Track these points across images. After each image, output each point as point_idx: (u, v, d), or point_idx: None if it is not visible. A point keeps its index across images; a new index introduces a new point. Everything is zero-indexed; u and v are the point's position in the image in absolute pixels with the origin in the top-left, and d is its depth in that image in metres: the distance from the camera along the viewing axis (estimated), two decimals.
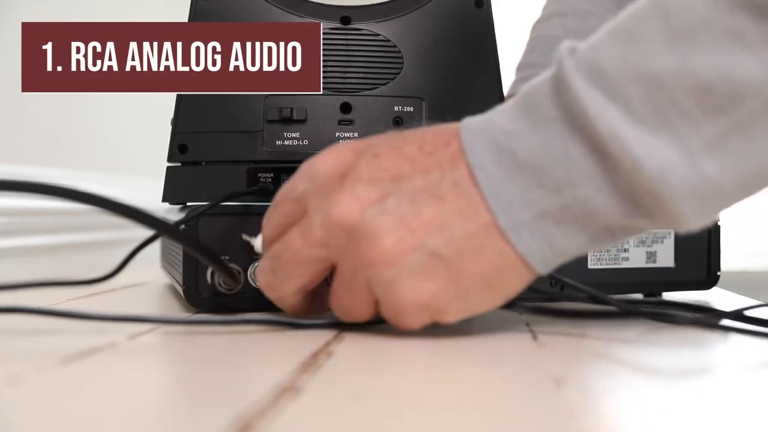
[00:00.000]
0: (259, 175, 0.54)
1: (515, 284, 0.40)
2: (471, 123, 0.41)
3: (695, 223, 0.38)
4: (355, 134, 0.54)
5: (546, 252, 0.39)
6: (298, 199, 0.42)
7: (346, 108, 0.55)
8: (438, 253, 0.39)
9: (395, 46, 0.55)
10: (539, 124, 0.38)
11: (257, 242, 0.47)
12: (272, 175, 0.54)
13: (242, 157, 0.54)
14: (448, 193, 0.39)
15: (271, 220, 0.44)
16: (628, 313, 0.45)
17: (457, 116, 0.56)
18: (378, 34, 0.55)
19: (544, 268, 0.40)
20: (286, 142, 0.54)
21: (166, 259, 0.67)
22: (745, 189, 0.38)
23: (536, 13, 0.80)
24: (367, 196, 0.40)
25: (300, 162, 0.54)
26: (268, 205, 0.50)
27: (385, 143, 0.42)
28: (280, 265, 0.42)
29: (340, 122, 0.54)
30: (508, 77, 0.59)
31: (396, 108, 0.55)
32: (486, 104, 0.56)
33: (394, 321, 0.41)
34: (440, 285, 0.39)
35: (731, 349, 0.43)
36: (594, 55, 0.38)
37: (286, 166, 0.54)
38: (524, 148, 0.38)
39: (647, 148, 0.36)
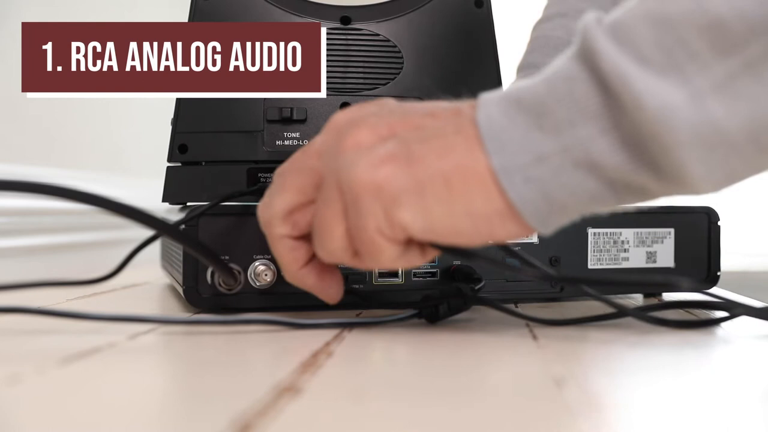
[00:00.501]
0: (259, 175, 0.54)
1: (499, 231, 0.39)
2: (490, 93, 0.41)
3: (705, 181, 0.37)
4: None
5: (540, 204, 0.38)
6: (312, 168, 0.42)
7: (345, 107, 0.54)
8: (406, 141, 0.39)
9: (395, 46, 0.55)
10: (552, 75, 0.38)
11: None
12: (272, 175, 0.54)
13: (242, 157, 0.54)
14: (446, 118, 0.40)
15: (279, 192, 0.44)
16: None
17: None
18: (378, 34, 0.55)
19: (538, 223, 0.39)
20: (286, 142, 0.54)
21: (166, 259, 0.67)
22: (757, 142, 0.36)
23: (536, 13, 0.80)
24: (367, 109, 0.42)
25: None
26: None
27: (395, 109, 0.42)
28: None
29: None
30: (508, 77, 0.59)
31: None
32: None
33: (355, 227, 0.40)
34: (396, 169, 0.38)
35: (731, 349, 0.43)
36: (616, 15, 0.38)
37: None
38: (529, 93, 0.38)
39: (651, 87, 0.35)
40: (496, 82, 0.57)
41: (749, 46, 0.35)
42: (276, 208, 0.43)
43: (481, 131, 0.38)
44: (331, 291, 0.45)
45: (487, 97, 0.40)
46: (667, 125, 0.35)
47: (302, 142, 0.54)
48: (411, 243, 0.40)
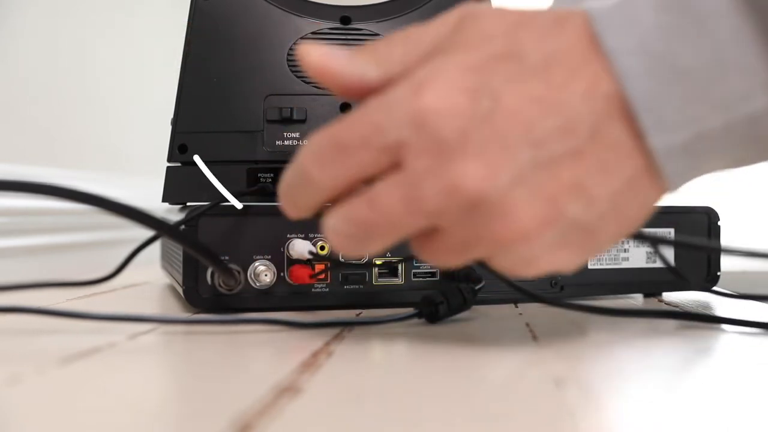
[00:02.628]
0: (259, 175, 0.54)
1: (644, 208, 0.35)
2: (606, 20, 0.33)
3: None
4: None
5: (687, 180, 0.34)
6: (388, 149, 0.33)
7: (345, 108, 0.55)
8: (577, 221, 0.34)
9: None
10: (703, 18, 0.32)
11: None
12: (272, 175, 0.54)
13: (242, 157, 0.54)
14: (587, 145, 0.33)
15: (331, 167, 0.34)
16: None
17: None
18: (378, 34, 0.55)
19: (674, 188, 0.35)
20: (286, 142, 0.54)
21: (166, 259, 0.67)
22: None
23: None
24: (499, 162, 0.32)
25: None
26: (268, 206, 0.51)
27: (502, 71, 0.33)
28: (365, 231, 0.34)
29: None
30: None
31: None
32: None
33: (508, 273, 0.36)
34: (576, 251, 0.35)
35: (731, 349, 0.43)
36: None
37: (286, 166, 0.54)
38: (686, 50, 0.32)
39: None
40: None
41: None
42: (371, 253, 0.36)
43: (633, 104, 0.33)
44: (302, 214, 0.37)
45: (615, 44, 0.33)
46: None
47: (302, 142, 0.54)
48: None
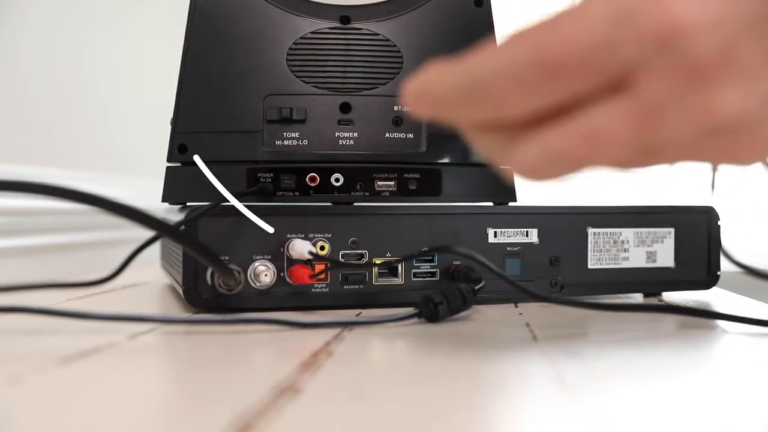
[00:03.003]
0: (258, 175, 0.54)
1: None
2: None
3: None
4: (355, 134, 0.54)
5: None
6: (619, 70, 0.27)
7: (345, 108, 0.55)
8: None
9: (395, 46, 0.55)
10: None
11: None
12: (272, 175, 0.54)
13: (242, 157, 0.54)
14: None
15: (538, 90, 0.28)
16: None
17: None
18: (377, 34, 0.55)
19: None
20: (286, 142, 0.54)
21: (166, 259, 0.67)
22: None
23: (536, 14, 0.80)
24: (757, 83, 0.27)
25: (299, 163, 0.54)
26: (267, 205, 0.51)
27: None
28: (576, 164, 0.29)
29: (339, 122, 0.54)
30: None
31: (396, 108, 0.55)
32: None
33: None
34: None
35: (731, 349, 0.43)
36: None
37: (285, 166, 0.54)
38: None
39: None
40: None
41: None
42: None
43: None
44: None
45: None
46: None
47: (302, 142, 0.54)
48: None
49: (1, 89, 0.78)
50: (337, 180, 0.54)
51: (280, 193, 0.54)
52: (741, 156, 0.30)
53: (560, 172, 0.29)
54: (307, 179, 0.54)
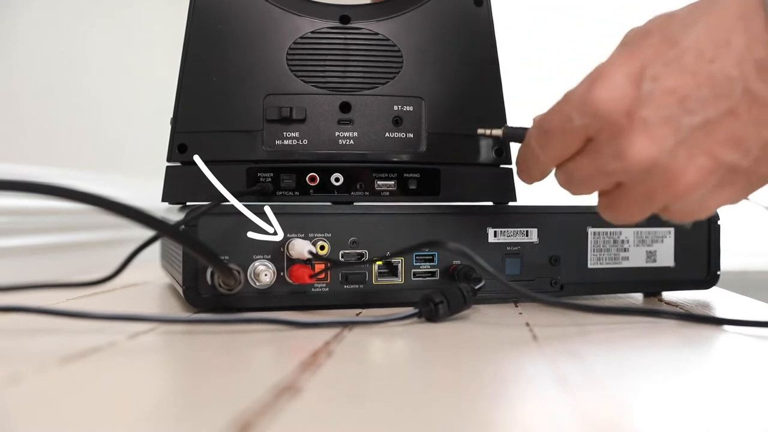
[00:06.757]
0: (258, 174, 0.54)
1: None
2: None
3: None
4: (355, 134, 0.54)
5: None
6: (576, 131, 0.42)
7: (345, 107, 0.55)
8: (735, 166, 0.40)
9: (395, 45, 0.55)
10: None
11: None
12: (272, 174, 0.54)
13: (242, 157, 0.54)
14: (740, 105, 0.39)
15: (546, 148, 0.44)
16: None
17: (457, 116, 0.56)
18: (377, 33, 0.55)
19: None
20: (286, 142, 0.54)
21: (166, 259, 0.67)
22: None
23: (536, 13, 0.80)
24: (660, 133, 0.40)
25: (299, 162, 0.54)
26: (267, 205, 0.50)
27: (659, 56, 0.41)
28: (576, 186, 0.45)
29: (339, 122, 0.54)
30: (507, 76, 0.59)
31: (395, 107, 0.55)
32: (486, 103, 0.57)
33: (685, 219, 0.43)
34: (736, 190, 0.41)
35: (731, 349, 0.43)
36: None
37: (285, 165, 0.54)
38: None
39: None
40: (496, 81, 0.57)
41: None
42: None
43: None
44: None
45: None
46: None
47: (301, 141, 0.54)
48: None
49: (1, 89, 0.78)
50: (336, 180, 0.54)
51: (280, 192, 0.54)
52: (671, 199, 0.42)
53: (578, 192, 0.45)
54: (306, 179, 0.54)
